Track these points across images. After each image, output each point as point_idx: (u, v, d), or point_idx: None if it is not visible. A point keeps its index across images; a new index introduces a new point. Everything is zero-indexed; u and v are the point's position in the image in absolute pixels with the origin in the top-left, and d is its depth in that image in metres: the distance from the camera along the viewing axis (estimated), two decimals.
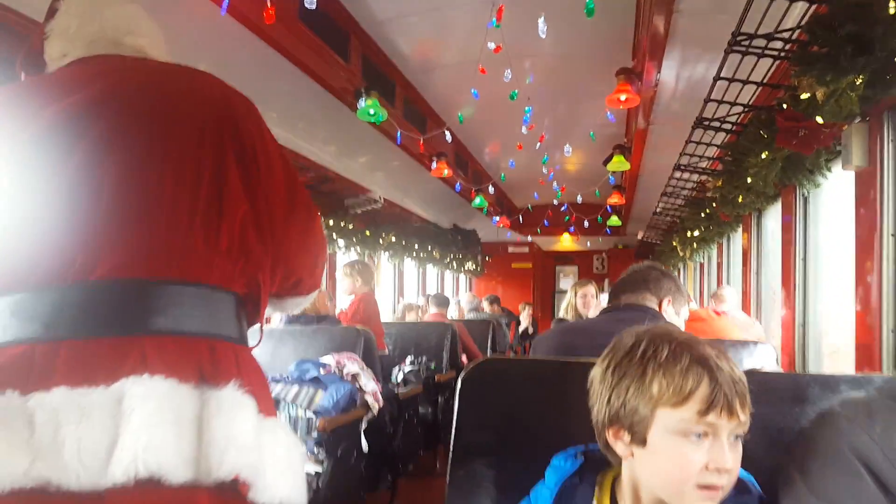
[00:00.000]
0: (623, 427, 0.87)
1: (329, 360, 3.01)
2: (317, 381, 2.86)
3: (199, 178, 0.97)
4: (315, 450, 2.77)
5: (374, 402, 3.06)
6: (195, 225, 0.96)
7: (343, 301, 4.65)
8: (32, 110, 0.98)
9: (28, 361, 0.86)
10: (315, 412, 2.77)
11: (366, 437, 3.06)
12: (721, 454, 0.81)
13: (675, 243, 7.35)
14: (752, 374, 0.88)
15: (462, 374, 1.22)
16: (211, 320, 0.96)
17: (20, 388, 0.83)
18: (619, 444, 0.89)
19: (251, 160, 1.03)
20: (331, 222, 5.28)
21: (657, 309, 1.99)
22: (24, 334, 0.88)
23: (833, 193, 3.30)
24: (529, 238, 11.50)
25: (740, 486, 0.87)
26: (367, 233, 5.97)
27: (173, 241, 0.94)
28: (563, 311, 4.44)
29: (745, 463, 0.85)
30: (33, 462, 0.80)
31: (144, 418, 0.83)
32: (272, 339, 3.25)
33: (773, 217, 4.31)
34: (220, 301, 0.99)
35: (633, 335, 0.90)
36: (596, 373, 0.92)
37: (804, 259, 3.67)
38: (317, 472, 2.69)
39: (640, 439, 0.86)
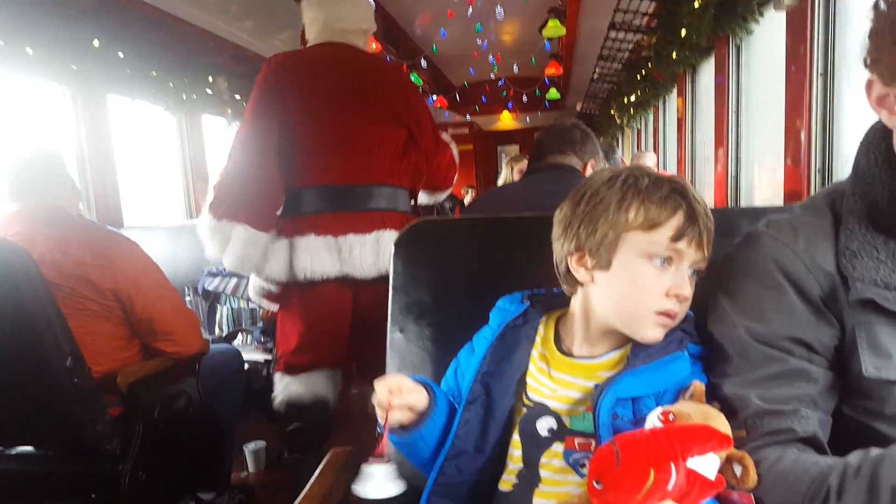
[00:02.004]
0: (588, 252, 0.86)
1: None
2: None
3: (396, 135, 1.95)
4: (262, 339, 2.77)
5: None
6: (393, 158, 1.95)
7: None
8: (310, 83, 1.92)
9: (332, 221, 1.86)
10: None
11: None
12: (683, 281, 0.83)
13: (612, 111, 7.34)
14: None
15: (397, 237, 1.19)
16: (401, 203, 1.99)
17: (332, 233, 1.85)
18: (581, 270, 0.88)
19: (416, 123, 1.98)
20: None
21: (581, 172, 1.96)
22: (328, 208, 1.89)
23: (764, 43, 3.28)
24: (469, 118, 11.30)
25: None
26: None
27: (385, 166, 1.94)
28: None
29: None
30: (341, 266, 1.85)
31: (388, 248, 1.76)
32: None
33: (706, 74, 4.30)
34: (404, 194, 2.01)
35: (608, 171, 0.89)
36: (565, 205, 0.91)
37: (737, 111, 3.70)
38: (266, 360, 2.70)
39: (604, 262, 0.85)
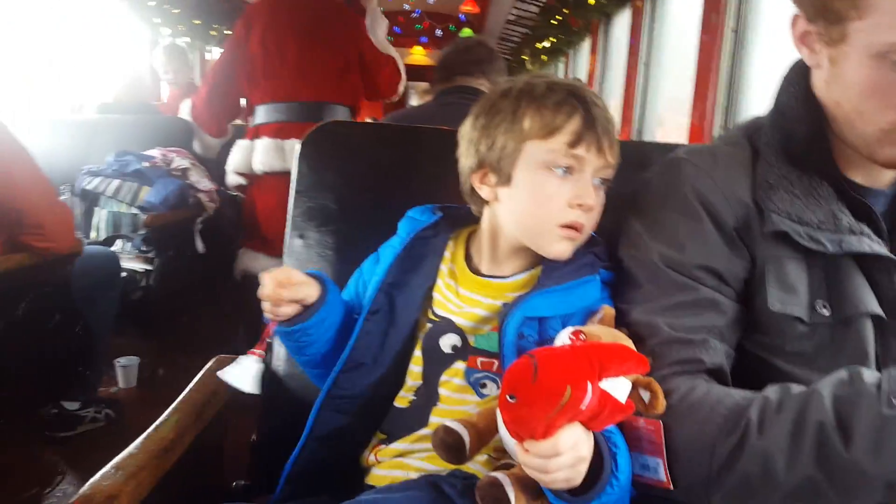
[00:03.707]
0: (490, 168, 0.82)
1: (154, 153, 2.70)
2: (140, 175, 2.57)
3: (338, 63, 2.43)
4: (143, 247, 2.57)
5: (209, 201, 2.83)
6: (334, 81, 2.43)
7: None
8: (272, 23, 2.42)
9: (280, 129, 2.34)
10: (141, 207, 2.54)
11: (202, 239, 2.87)
12: (586, 189, 0.79)
13: (524, 56, 7.32)
14: None
15: (304, 137, 1.10)
16: (339, 116, 2.40)
17: (280, 137, 2.32)
18: (485, 188, 0.84)
19: (360, 54, 2.46)
20: (152, 2, 4.53)
21: None
22: (279, 119, 2.37)
23: (679, 6, 3.34)
24: None
25: (591, 239, 0.85)
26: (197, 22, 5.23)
27: (326, 87, 2.42)
28: None
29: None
30: (285, 164, 2.26)
31: None
32: (85, 130, 2.92)
33: (619, 29, 4.34)
34: (343, 109, 2.45)
35: (509, 81, 0.84)
36: (467, 122, 0.87)
37: (646, 73, 3.77)
38: (146, 270, 2.51)
39: (505, 177, 0.81)
